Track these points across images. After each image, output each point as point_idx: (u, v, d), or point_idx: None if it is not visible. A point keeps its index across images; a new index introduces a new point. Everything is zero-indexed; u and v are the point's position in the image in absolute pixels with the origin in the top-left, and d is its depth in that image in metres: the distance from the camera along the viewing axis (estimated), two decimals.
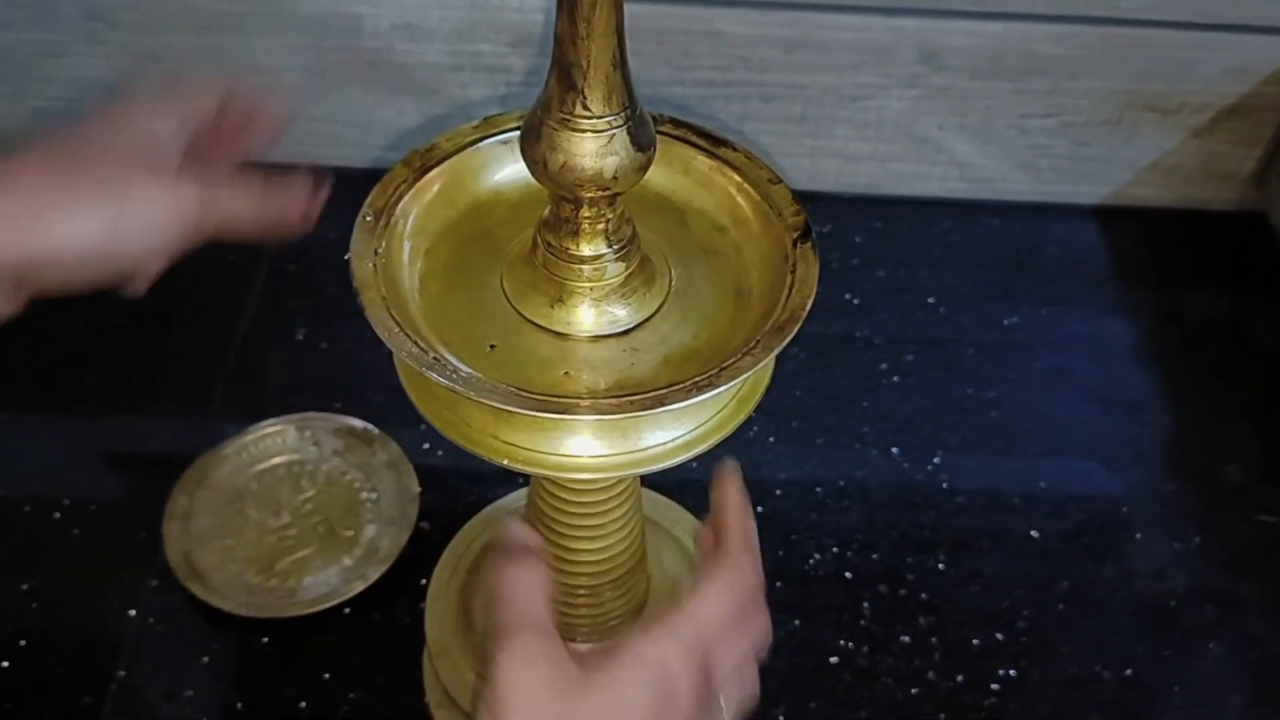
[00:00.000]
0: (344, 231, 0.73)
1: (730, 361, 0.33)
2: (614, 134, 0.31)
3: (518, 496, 0.55)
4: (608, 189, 0.32)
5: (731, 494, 0.37)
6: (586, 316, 0.35)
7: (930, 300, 0.72)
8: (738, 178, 0.38)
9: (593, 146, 0.31)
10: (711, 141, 0.39)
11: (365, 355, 0.66)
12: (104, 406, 0.53)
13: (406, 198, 0.37)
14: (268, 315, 0.68)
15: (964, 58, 0.70)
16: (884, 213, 0.77)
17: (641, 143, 0.32)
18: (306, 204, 0.41)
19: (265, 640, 0.54)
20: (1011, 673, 0.55)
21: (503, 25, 0.70)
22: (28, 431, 0.51)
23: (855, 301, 0.72)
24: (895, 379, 0.68)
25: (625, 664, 0.31)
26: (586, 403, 0.32)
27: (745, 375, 0.32)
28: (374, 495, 0.59)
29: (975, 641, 0.56)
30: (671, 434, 0.35)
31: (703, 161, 0.38)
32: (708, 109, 0.73)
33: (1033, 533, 0.60)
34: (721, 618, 0.33)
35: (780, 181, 0.37)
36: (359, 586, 0.55)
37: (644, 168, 0.33)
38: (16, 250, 0.36)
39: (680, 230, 0.38)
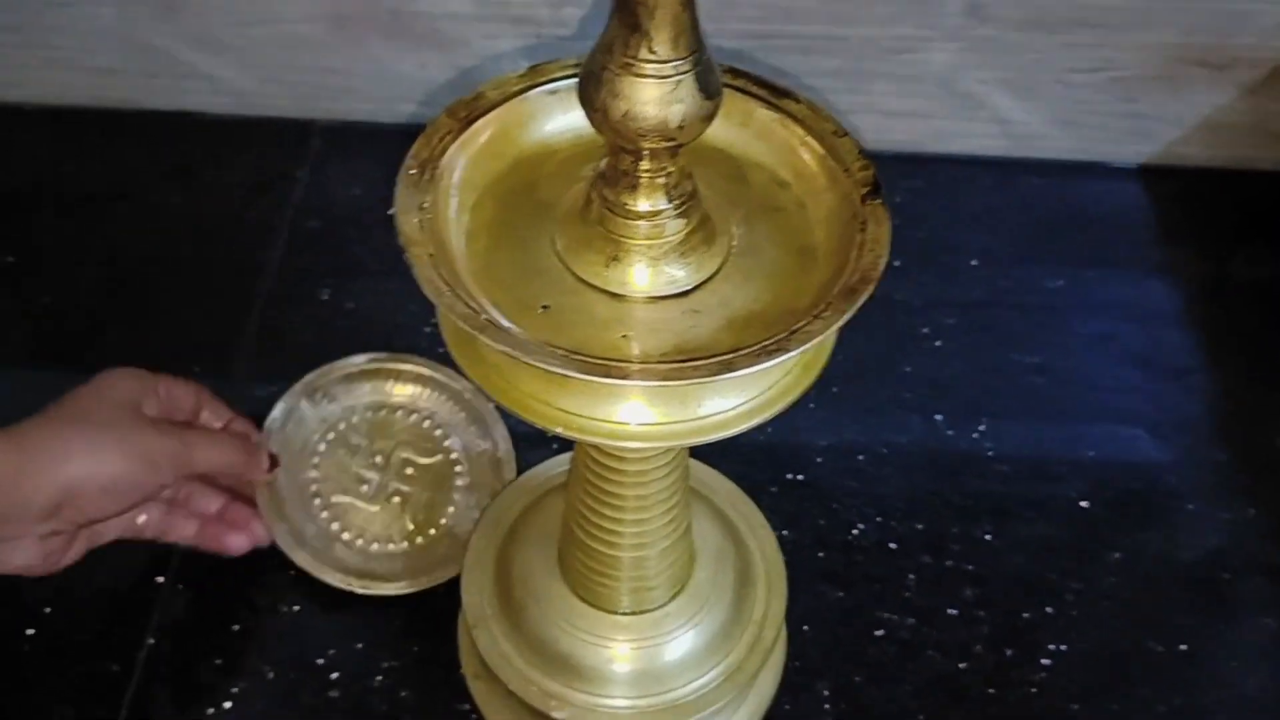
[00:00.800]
0: (366, 188, 0.72)
1: (800, 325, 0.31)
2: (681, 80, 0.29)
3: (557, 463, 0.53)
4: (672, 139, 0.30)
5: None
6: (644, 276, 0.33)
7: (972, 262, 0.70)
8: (801, 130, 0.36)
9: (657, 93, 0.29)
10: (773, 92, 0.36)
11: (391, 315, 0.64)
12: (128, 364, 0.52)
13: (452, 150, 0.35)
14: (291, 275, 0.67)
15: (1010, 8, 0.68)
16: (924, 171, 0.74)
17: (709, 90, 0.30)
18: (265, 464, 0.53)
19: (296, 609, 0.53)
20: (1062, 646, 0.53)
21: None
22: (52, 394, 0.49)
23: (895, 263, 0.68)
24: (937, 343, 0.66)
25: None
26: (650, 368, 0.30)
27: (816, 340, 0.30)
28: (425, 410, 0.57)
29: (1024, 615, 0.54)
30: (733, 401, 0.33)
31: (763, 113, 0.36)
32: (745, 61, 0.70)
33: (1081, 503, 0.59)
34: None
35: (846, 134, 0.35)
36: None
37: (710, 116, 0.31)
38: (62, 480, 0.45)
39: (739, 186, 0.36)
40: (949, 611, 0.54)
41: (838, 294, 0.32)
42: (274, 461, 0.54)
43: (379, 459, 0.55)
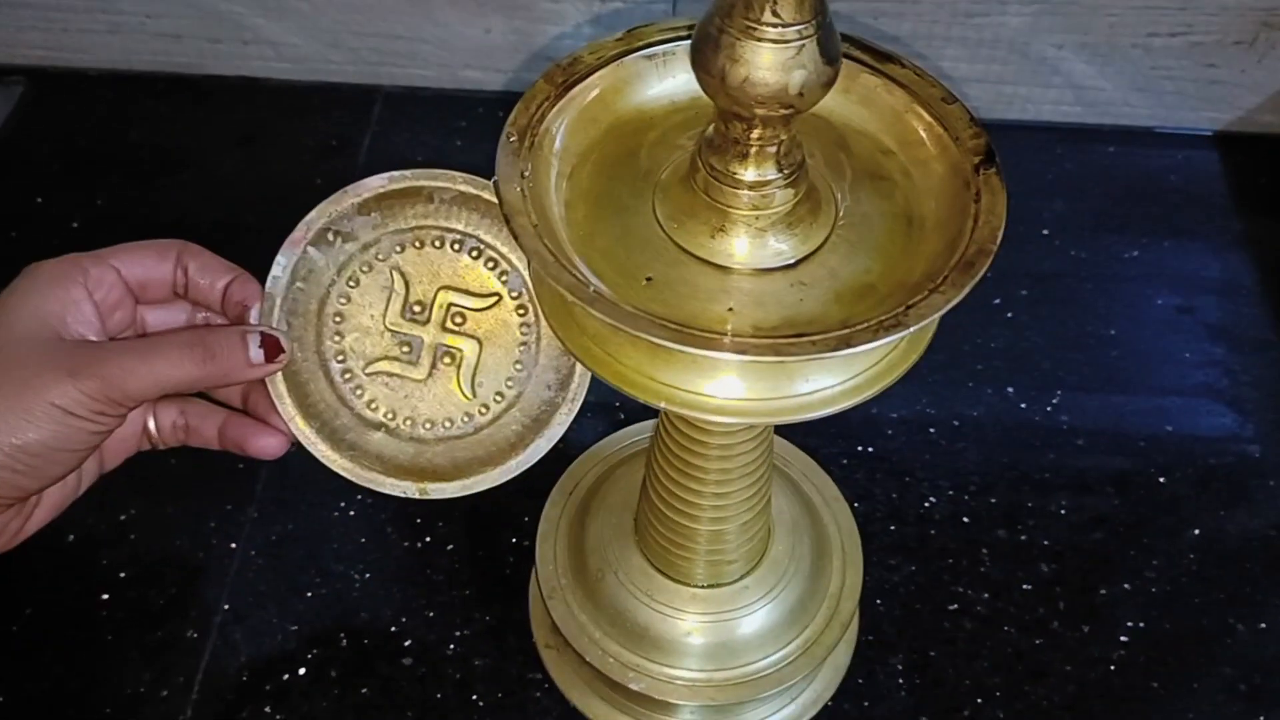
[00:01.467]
0: (430, 153, 0.72)
1: (917, 300, 0.30)
2: (804, 44, 0.28)
3: (630, 432, 0.53)
4: (791, 106, 0.29)
5: None
6: (750, 248, 0.32)
7: (1044, 232, 0.68)
8: (906, 96, 0.35)
9: (779, 58, 0.28)
10: (876, 56, 0.35)
11: None
12: None
13: (550, 116, 0.34)
14: None
15: None
16: (995, 138, 0.72)
17: (830, 55, 0.29)
18: (256, 357, 0.39)
19: (368, 575, 0.53)
20: (1141, 624, 0.52)
21: None
22: None
23: None
24: (1009, 315, 0.64)
25: None
26: (764, 343, 0.29)
27: (935, 315, 0.30)
28: (466, 238, 0.41)
29: (1102, 591, 0.53)
30: (839, 378, 0.33)
31: (867, 78, 0.35)
32: None
33: (1160, 478, 0.57)
34: None
35: (956, 100, 0.34)
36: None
37: (830, 83, 0.30)
38: None
39: (842, 154, 0.35)
40: (1024, 587, 0.54)
41: (955, 267, 0.31)
42: (273, 347, 0.39)
43: (418, 308, 0.41)
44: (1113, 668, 0.51)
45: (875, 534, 0.55)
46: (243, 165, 0.71)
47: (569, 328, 0.34)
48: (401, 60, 0.73)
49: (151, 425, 0.42)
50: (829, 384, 0.32)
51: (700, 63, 0.29)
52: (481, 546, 0.54)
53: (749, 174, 0.31)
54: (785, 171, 0.32)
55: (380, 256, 0.41)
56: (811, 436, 0.56)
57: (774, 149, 0.31)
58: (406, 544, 0.54)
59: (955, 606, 0.53)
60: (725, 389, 0.32)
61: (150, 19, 0.72)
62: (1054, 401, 0.61)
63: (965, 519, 0.56)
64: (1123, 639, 0.52)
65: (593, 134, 0.35)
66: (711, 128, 0.32)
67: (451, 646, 0.51)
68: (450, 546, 0.54)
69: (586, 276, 0.31)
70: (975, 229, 0.31)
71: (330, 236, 0.41)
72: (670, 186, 0.33)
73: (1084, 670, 0.51)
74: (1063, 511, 0.56)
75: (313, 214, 0.41)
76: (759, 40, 0.28)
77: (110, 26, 0.72)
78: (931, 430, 0.59)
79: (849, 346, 0.29)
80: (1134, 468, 0.58)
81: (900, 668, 0.51)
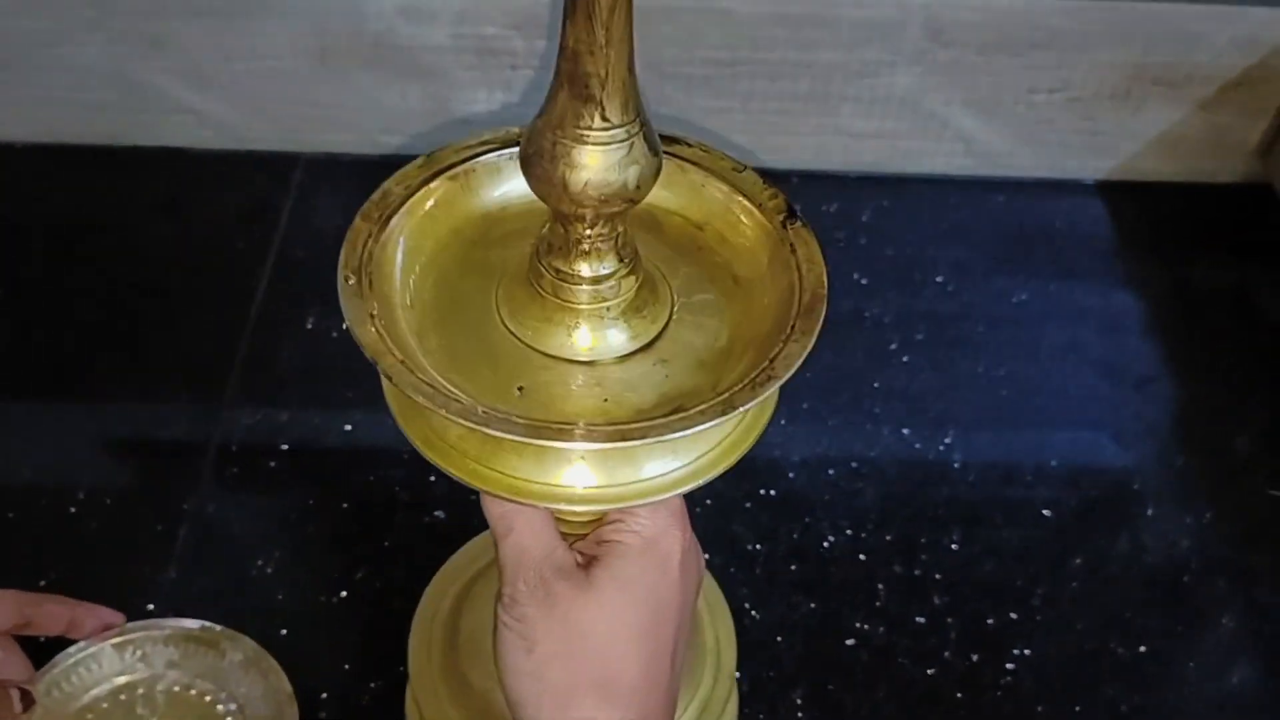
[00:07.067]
0: (349, 218, 0.72)
1: (777, 352, 0.32)
2: (632, 142, 0.30)
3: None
4: (632, 200, 0.31)
5: None
6: (608, 338, 0.34)
7: (939, 279, 0.72)
8: (700, 172, 0.37)
9: (615, 158, 0.30)
10: (663, 141, 0.37)
11: None
12: (118, 394, 0.53)
13: (375, 251, 0.35)
14: (278, 303, 0.68)
15: (971, 32, 0.70)
16: (891, 191, 0.77)
17: (654, 146, 0.31)
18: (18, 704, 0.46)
19: (284, 632, 0.55)
20: (1026, 651, 0.55)
21: (506, 6, 0.69)
22: (45, 426, 0.51)
23: (863, 281, 0.72)
24: (905, 358, 0.68)
25: (619, 557, 0.35)
26: (612, 429, 0.31)
27: (798, 361, 0.32)
28: (233, 705, 0.51)
29: (990, 620, 0.56)
30: (684, 460, 0.34)
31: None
32: (715, 88, 0.72)
33: (1044, 511, 0.61)
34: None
35: (745, 168, 0.37)
36: None
37: (658, 172, 0.32)
38: None
39: (657, 235, 0.37)
40: (918, 619, 0.56)
41: (798, 315, 0.33)
42: (27, 700, 0.47)
43: None
44: (999, 694, 0.54)
45: (777, 572, 0.58)
46: (166, 232, 0.72)
47: (444, 453, 0.34)
48: (321, 127, 0.76)
49: None
50: (672, 468, 0.34)
51: (539, 175, 0.31)
52: (400, 597, 0.56)
53: (593, 270, 0.33)
54: (625, 261, 0.34)
55: (159, 683, 0.50)
56: (716, 480, 0.58)
57: (612, 243, 0.33)
58: (323, 598, 0.56)
59: (852, 640, 0.56)
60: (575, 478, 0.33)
61: (76, 91, 0.74)
62: (947, 440, 0.64)
63: (862, 555, 0.59)
64: (1009, 666, 0.55)
65: (422, 259, 0.36)
66: (547, 230, 0.33)
67: (366, 699, 0.53)
68: (370, 601, 0.56)
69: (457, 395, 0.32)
70: (802, 278, 0.34)
71: (131, 649, 0.51)
72: (513, 296, 0.35)
73: (974, 696, 0.54)
74: (954, 546, 0.59)
75: (131, 624, 0.51)
76: (593, 145, 0.30)
77: (36, 100, 0.74)
78: (831, 472, 0.62)
79: (734, 408, 0.31)
80: (1022, 501, 0.61)
81: (799, 701, 0.53)
